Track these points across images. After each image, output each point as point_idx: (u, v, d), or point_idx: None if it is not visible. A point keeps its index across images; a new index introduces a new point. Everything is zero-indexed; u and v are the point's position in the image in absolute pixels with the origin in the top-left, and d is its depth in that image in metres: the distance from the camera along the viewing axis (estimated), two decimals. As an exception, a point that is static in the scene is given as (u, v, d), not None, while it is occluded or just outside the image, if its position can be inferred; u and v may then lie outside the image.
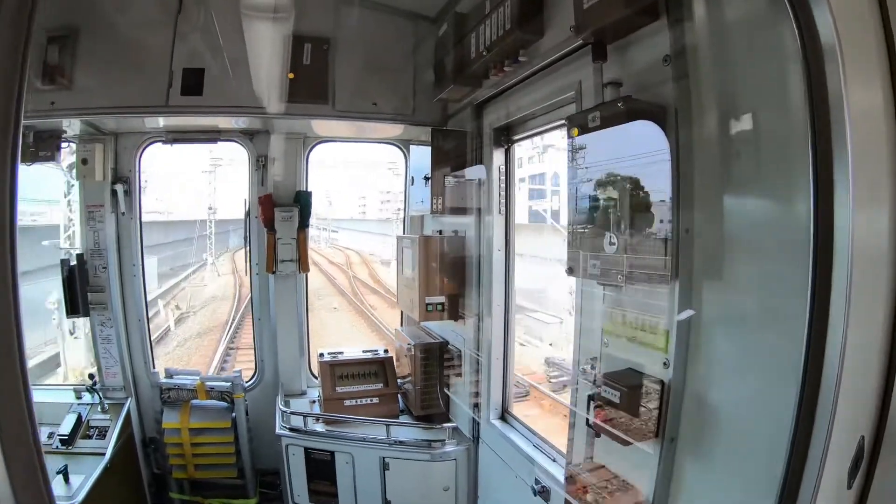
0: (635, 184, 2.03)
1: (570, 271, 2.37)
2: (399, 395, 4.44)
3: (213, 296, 20.95)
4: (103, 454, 4.01)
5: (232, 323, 14.85)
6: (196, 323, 16.37)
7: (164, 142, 4.56)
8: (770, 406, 1.60)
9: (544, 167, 19.59)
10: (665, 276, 1.90)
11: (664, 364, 1.96)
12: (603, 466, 2.33)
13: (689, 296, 1.87)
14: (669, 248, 1.88)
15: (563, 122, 2.91)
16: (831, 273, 1.35)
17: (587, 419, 2.30)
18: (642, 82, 2.05)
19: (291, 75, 3.80)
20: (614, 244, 2.07)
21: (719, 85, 1.79)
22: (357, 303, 18.00)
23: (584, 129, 2.19)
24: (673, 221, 1.87)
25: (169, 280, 22.36)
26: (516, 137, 3.51)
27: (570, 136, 2.28)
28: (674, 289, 1.90)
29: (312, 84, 3.84)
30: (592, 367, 2.41)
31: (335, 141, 5.10)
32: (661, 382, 1.96)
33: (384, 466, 3.90)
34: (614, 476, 2.26)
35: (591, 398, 2.25)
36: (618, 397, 2.09)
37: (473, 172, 3.63)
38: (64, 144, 4.20)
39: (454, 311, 3.87)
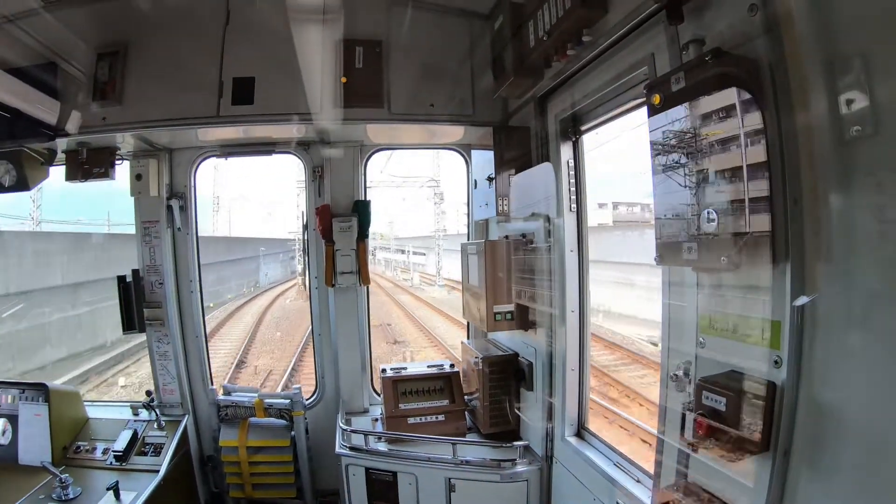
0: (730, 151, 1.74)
1: (661, 259, 2.10)
2: (466, 412, 4.20)
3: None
4: (157, 471, 3.94)
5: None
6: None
7: (219, 156, 4.54)
8: None
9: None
10: (775, 256, 1.63)
11: (775, 363, 1.66)
12: (700, 487, 2.01)
13: (802, 279, 1.58)
14: (779, 223, 1.61)
15: (635, 103, 2.76)
16: None
17: (681, 432, 2.01)
18: (726, 41, 1.79)
19: (344, 80, 3.72)
20: (713, 220, 1.76)
21: (820, 27, 1.51)
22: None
23: (667, 96, 1.93)
24: (779, 191, 1.61)
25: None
26: (584, 128, 3.27)
27: (649, 107, 2.02)
28: (785, 271, 1.61)
29: (367, 88, 3.75)
30: (686, 373, 2.12)
31: (393, 148, 4.98)
32: (773, 385, 1.66)
33: (450, 488, 3.66)
34: (712, 497, 1.94)
35: (687, 408, 1.96)
36: (723, 404, 1.79)
37: (540, 170, 3.40)
38: (118, 161, 4.18)
39: (524, 319, 3.63)
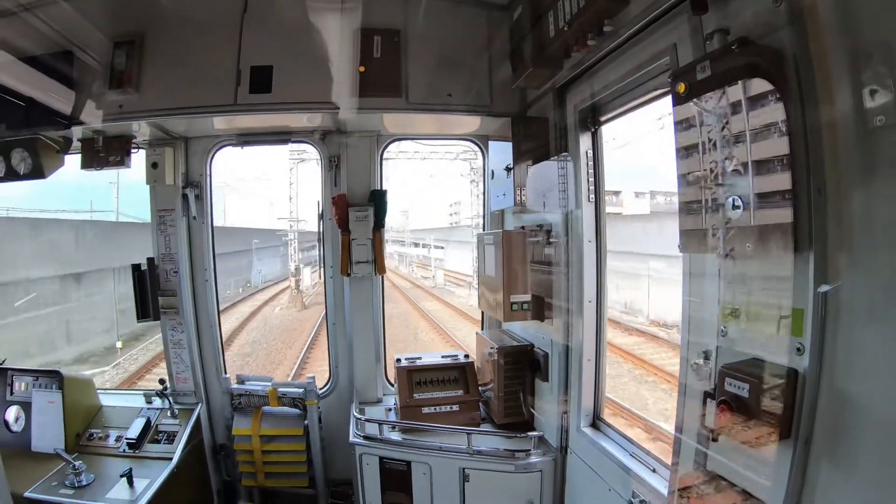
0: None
1: (684, 246, 2.09)
2: (480, 403, 4.20)
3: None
4: (171, 459, 3.96)
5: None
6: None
7: (235, 145, 4.53)
8: None
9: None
10: (797, 244, 1.62)
11: (797, 350, 1.65)
12: (717, 476, 2.01)
13: (825, 267, 1.57)
14: (802, 211, 1.60)
15: (656, 94, 2.75)
16: None
17: (702, 420, 2.00)
18: (750, 31, 1.78)
19: (362, 69, 3.71)
20: (738, 208, 1.77)
21: (845, 17, 1.51)
22: None
23: (692, 84, 1.92)
24: (802, 180, 1.60)
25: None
26: (604, 119, 3.27)
27: (674, 96, 2.01)
28: (808, 260, 1.60)
29: (384, 77, 3.75)
30: (706, 361, 2.12)
31: (410, 139, 4.98)
32: (794, 373, 1.65)
33: (464, 478, 3.67)
34: (732, 486, 1.94)
35: (708, 395, 1.96)
36: (746, 391, 1.78)
37: (558, 160, 3.40)
38: (134, 149, 4.19)
39: (540, 310, 3.63)
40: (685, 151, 2.02)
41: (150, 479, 3.71)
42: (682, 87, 1.98)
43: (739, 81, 1.74)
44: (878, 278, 1.45)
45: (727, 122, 1.81)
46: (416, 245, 47.25)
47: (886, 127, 1.39)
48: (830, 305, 1.56)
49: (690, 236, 2.04)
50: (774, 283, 1.77)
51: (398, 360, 4.26)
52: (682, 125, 2.01)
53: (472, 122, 4.27)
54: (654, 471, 2.80)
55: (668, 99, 2.08)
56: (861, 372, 1.50)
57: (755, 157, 1.72)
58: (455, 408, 4.05)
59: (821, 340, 1.58)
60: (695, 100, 1.93)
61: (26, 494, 3.50)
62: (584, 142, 3.31)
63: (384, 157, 4.67)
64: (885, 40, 1.39)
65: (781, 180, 1.64)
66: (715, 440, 1.96)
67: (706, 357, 2.10)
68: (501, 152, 3.94)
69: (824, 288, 1.57)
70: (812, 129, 1.58)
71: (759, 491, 1.82)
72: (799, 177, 1.61)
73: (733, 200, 1.79)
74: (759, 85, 1.68)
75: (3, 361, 4.46)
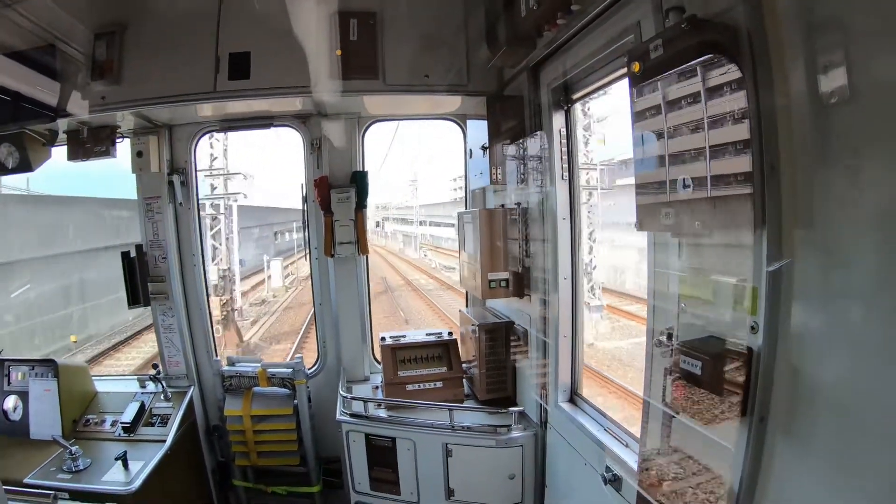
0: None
1: (640, 224, 2.13)
2: (464, 379, 4.27)
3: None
4: (164, 441, 4.05)
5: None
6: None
7: (218, 130, 4.58)
8: (889, 381, 1.31)
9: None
10: (751, 221, 1.61)
11: (752, 328, 1.65)
12: (680, 451, 2.03)
13: (779, 245, 1.58)
14: (755, 189, 1.59)
15: (623, 72, 2.70)
16: None
17: (663, 396, 2.05)
18: (708, 8, 1.77)
19: (339, 52, 3.71)
20: (689, 186, 1.77)
21: None
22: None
23: (647, 63, 1.93)
24: (755, 157, 1.59)
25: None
26: (575, 97, 3.27)
27: (630, 75, 2.02)
28: (761, 238, 1.60)
29: (361, 60, 3.74)
30: (669, 338, 2.14)
31: (390, 119, 5.00)
32: (749, 350, 1.66)
33: (447, 453, 3.75)
34: (693, 461, 1.97)
35: (668, 371, 1.99)
36: (699, 368, 1.80)
37: (533, 139, 3.42)
38: (119, 139, 4.23)
39: (519, 287, 3.67)
40: (640, 131, 2.04)
41: (145, 461, 3.79)
42: (636, 67, 1.98)
43: (692, 60, 1.73)
44: (831, 256, 1.46)
45: (681, 102, 1.82)
46: (425, 224, 43.99)
47: (839, 104, 1.40)
48: (784, 284, 1.57)
49: (646, 214, 2.05)
50: (730, 261, 1.79)
51: (383, 339, 4.33)
52: (636, 105, 2.02)
53: (452, 102, 4.27)
54: (626, 445, 2.84)
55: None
56: (814, 350, 1.52)
57: (710, 136, 1.72)
58: (439, 384, 4.12)
59: (774, 318, 1.60)
60: (649, 80, 1.94)
61: (26, 480, 3.59)
62: (558, 120, 3.32)
63: (365, 137, 4.71)
64: (838, 16, 1.39)
65: (736, 159, 1.64)
66: (675, 416, 1.99)
67: (669, 335, 2.12)
68: (479, 131, 3.96)
69: (772, 266, 1.58)
70: (765, 107, 1.58)
71: (718, 466, 1.85)
72: (753, 154, 1.60)
73: (683, 180, 1.81)
74: (712, 62, 1.68)
75: (0, 352, 4.55)
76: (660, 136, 1.92)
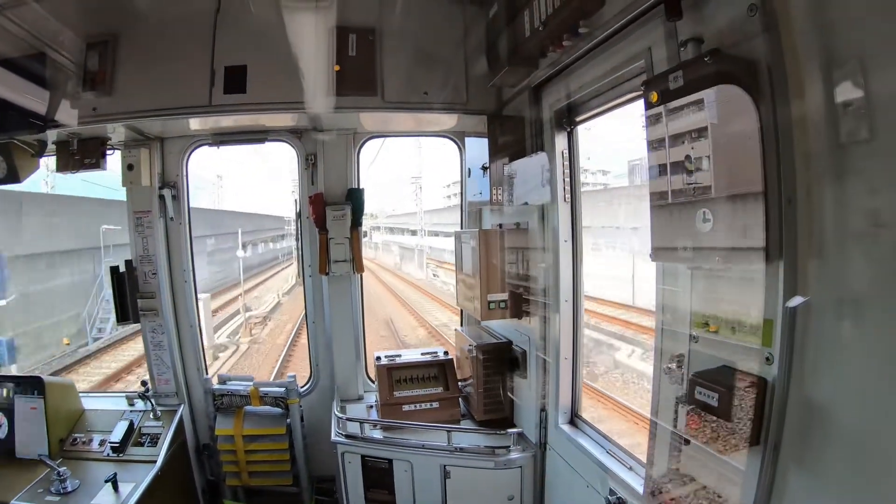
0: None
1: (655, 255, 2.11)
2: (460, 400, 4.23)
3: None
4: (155, 461, 3.96)
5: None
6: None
7: (211, 144, 4.48)
8: None
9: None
10: (768, 255, 1.63)
11: (767, 360, 1.68)
12: (690, 477, 2.03)
13: (795, 279, 1.59)
14: (772, 222, 1.61)
15: (631, 96, 2.73)
16: None
17: (674, 424, 2.04)
18: (724, 41, 1.78)
19: (337, 68, 3.67)
20: (709, 220, 1.78)
21: (819, 30, 1.50)
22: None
23: (664, 93, 1.92)
24: (773, 191, 1.61)
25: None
26: (579, 119, 3.26)
27: (646, 103, 2.01)
28: (778, 270, 1.62)
29: (360, 76, 3.71)
30: (679, 366, 2.14)
31: (386, 136, 4.95)
32: (763, 381, 1.68)
33: (445, 475, 3.70)
34: (703, 488, 1.97)
35: (680, 401, 1.99)
36: (716, 399, 1.81)
37: (534, 160, 3.40)
38: (109, 151, 4.15)
39: (518, 308, 3.64)
40: (655, 161, 2.03)
41: (136, 483, 3.70)
42: (654, 97, 1.98)
43: (712, 92, 1.73)
44: (847, 290, 1.46)
45: (699, 134, 1.82)
46: (433, 234, 38.86)
47: (857, 140, 1.40)
48: (800, 316, 1.58)
49: (662, 246, 2.05)
50: (745, 293, 1.80)
51: (378, 358, 4.28)
52: (654, 137, 2.01)
53: (449, 120, 4.26)
54: (630, 468, 2.83)
55: (642, 102, 2.09)
56: (829, 381, 1.52)
57: (725, 168, 1.72)
58: (435, 405, 4.08)
59: (790, 351, 1.60)
60: (666, 110, 1.93)
61: (13, 502, 3.49)
62: (560, 141, 3.31)
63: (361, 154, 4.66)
64: (858, 53, 1.39)
65: (751, 192, 1.65)
66: (687, 443, 1.99)
67: (679, 363, 2.12)
68: (478, 149, 3.94)
69: (794, 302, 1.58)
70: (784, 139, 1.59)
71: (730, 494, 1.85)
72: (770, 187, 1.62)
73: (703, 213, 1.80)
74: (731, 96, 1.68)
75: None
76: (677, 166, 1.91)
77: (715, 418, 1.80)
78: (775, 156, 1.60)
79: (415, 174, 39.74)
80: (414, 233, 41.20)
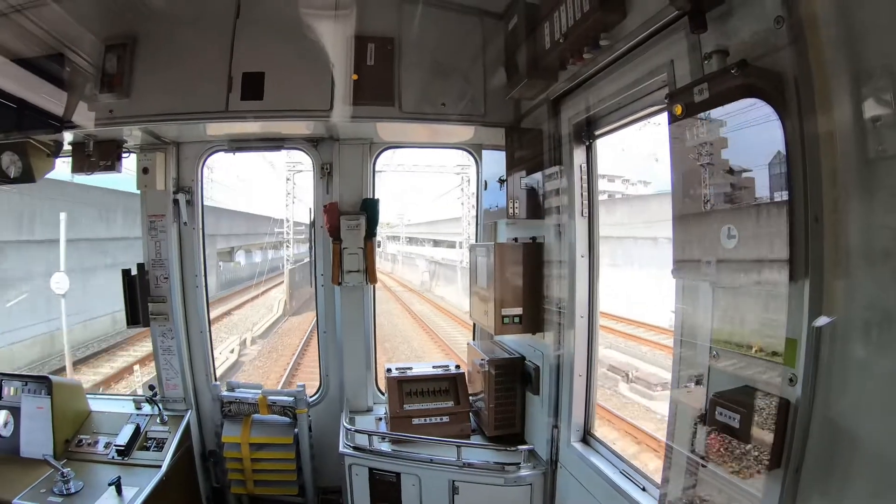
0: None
1: (678, 271, 2.07)
2: (471, 414, 4.18)
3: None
4: (160, 466, 3.92)
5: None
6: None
7: (227, 150, 4.49)
8: None
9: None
10: (793, 272, 1.59)
11: (790, 380, 1.62)
12: (708, 501, 1.97)
13: (821, 297, 1.54)
14: (798, 240, 1.57)
15: (652, 110, 2.70)
16: None
17: (692, 445, 1.98)
18: (749, 53, 1.74)
19: (355, 77, 3.66)
20: (734, 237, 1.75)
21: (847, 42, 1.47)
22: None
23: (689, 106, 1.90)
24: (799, 208, 1.57)
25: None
26: (598, 132, 3.22)
27: (670, 116, 1.98)
28: (803, 289, 1.57)
29: (377, 85, 3.70)
30: (697, 385, 2.08)
31: (402, 147, 4.95)
32: (786, 402, 1.63)
33: (453, 490, 3.65)
34: None
35: (699, 420, 1.94)
36: (737, 421, 1.76)
37: (552, 173, 3.37)
38: (125, 154, 4.15)
39: (532, 323, 3.59)
40: (680, 175, 2.00)
41: (139, 488, 3.67)
42: (678, 109, 1.95)
43: (738, 104, 1.71)
44: (874, 310, 1.42)
45: (723, 147, 1.78)
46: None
47: (887, 156, 1.37)
48: (825, 336, 1.54)
49: (684, 262, 2.02)
50: (768, 311, 1.75)
51: (389, 370, 4.24)
52: (678, 151, 1.99)
53: (465, 132, 4.24)
54: (643, 489, 2.78)
55: (664, 115, 2.06)
56: (854, 404, 1.48)
57: (751, 183, 1.71)
58: (445, 419, 4.03)
59: (814, 371, 1.56)
60: (691, 122, 1.90)
61: (15, 501, 3.46)
62: (579, 155, 3.27)
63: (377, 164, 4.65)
64: (888, 66, 1.35)
65: (777, 208, 1.62)
66: (704, 465, 1.94)
67: (698, 381, 2.07)
68: (495, 162, 3.91)
69: (821, 322, 1.54)
70: (810, 154, 1.55)
71: None
72: (796, 204, 1.58)
73: (728, 230, 1.77)
74: (758, 109, 1.66)
75: None
76: (701, 181, 1.88)
77: (736, 440, 1.76)
78: (802, 171, 1.57)
79: (461, 161, 27.20)
80: (453, 245, 32.75)
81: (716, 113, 1.81)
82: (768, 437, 1.66)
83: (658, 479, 2.72)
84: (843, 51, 1.47)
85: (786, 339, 1.65)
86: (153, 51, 3.61)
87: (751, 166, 1.73)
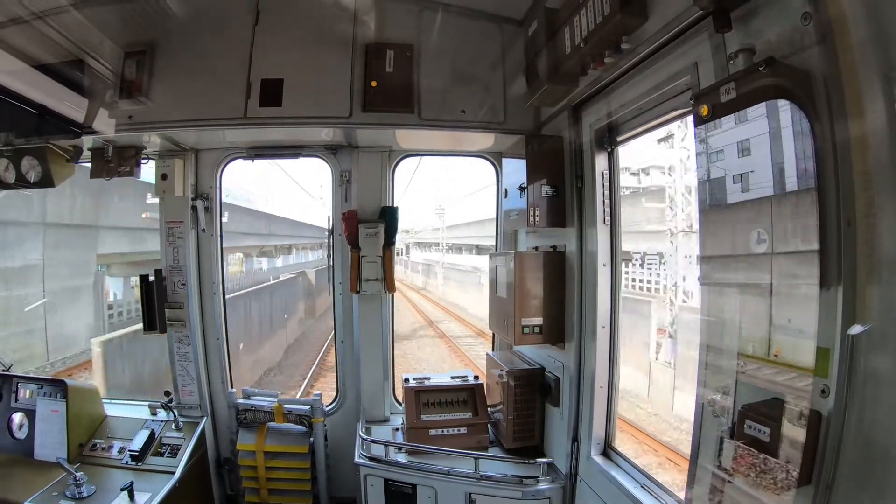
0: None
1: (706, 278, 2.01)
2: (489, 426, 4.11)
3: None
4: (173, 473, 3.91)
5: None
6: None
7: (246, 157, 4.49)
8: None
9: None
10: (825, 279, 1.54)
11: (822, 392, 1.56)
12: None
13: (854, 305, 1.48)
14: (830, 245, 1.52)
15: (675, 114, 2.66)
16: None
17: (717, 459, 1.92)
18: (776, 51, 1.70)
19: (374, 83, 3.65)
20: (764, 241, 1.70)
21: (877, 38, 1.42)
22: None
23: (715, 106, 1.85)
24: (831, 211, 1.52)
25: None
26: (620, 138, 3.18)
27: (696, 118, 1.94)
28: (836, 297, 1.51)
29: (397, 92, 3.69)
30: (724, 396, 2.02)
31: (422, 154, 4.92)
32: (818, 415, 1.56)
33: (470, 503, 3.58)
34: None
35: (726, 434, 1.88)
36: (767, 434, 1.70)
37: (573, 181, 3.32)
38: (144, 160, 4.18)
39: (552, 334, 3.53)
40: (706, 178, 1.95)
41: (152, 494, 3.65)
42: (704, 110, 1.91)
43: (765, 105, 1.67)
44: None
45: (750, 149, 1.74)
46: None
47: None
48: (859, 346, 1.47)
49: (712, 269, 1.96)
50: (799, 320, 1.68)
51: (406, 380, 4.18)
52: (702, 147, 1.94)
53: (485, 139, 4.20)
54: (665, 505, 2.72)
55: (688, 119, 2.02)
56: (890, 417, 1.41)
57: (780, 185, 1.66)
58: (463, 430, 3.96)
59: (847, 382, 1.50)
60: (717, 123, 1.85)
61: (27, 503, 3.46)
62: (600, 162, 3.23)
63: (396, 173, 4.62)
64: None
65: (808, 211, 1.57)
66: (731, 481, 1.88)
67: (724, 392, 2.01)
68: (515, 170, 3.85)
69: (855, 330, 1.48)
70: (842, 157, 1.50)
71: None
72: (827, 208, 1.53)
73: (758, 234, 1.72)
74: (787, 108, 1.62)
75: (10, 368, 4.45)
76: (728, 184, 1.83)
77: (764, 454, 1.70)
78: (833, 174, 1.52)
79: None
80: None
81: (742, 115, 1.77)
82: (799, 451, 1.61)
83: (680, 494, 2.65)
84: (874, 48, 1.43)
85: (817, 349, 1.60)
86: (172, 58, 3.63)
87: (779, 170, 1.69)
